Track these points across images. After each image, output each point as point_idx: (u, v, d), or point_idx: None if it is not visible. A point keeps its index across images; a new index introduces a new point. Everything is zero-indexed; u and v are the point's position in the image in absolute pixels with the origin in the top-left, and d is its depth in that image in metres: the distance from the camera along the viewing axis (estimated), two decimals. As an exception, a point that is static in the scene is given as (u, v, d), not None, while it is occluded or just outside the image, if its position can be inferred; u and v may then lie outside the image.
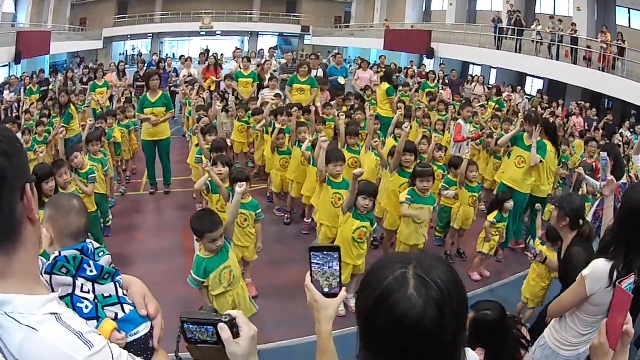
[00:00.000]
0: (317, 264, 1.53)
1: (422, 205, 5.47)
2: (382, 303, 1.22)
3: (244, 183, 4.35)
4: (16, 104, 13.72)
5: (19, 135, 8.41)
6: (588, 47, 16.97)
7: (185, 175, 8.81)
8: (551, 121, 8.09)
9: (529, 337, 3.02)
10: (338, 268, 1.54)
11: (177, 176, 8.93)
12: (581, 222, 3.55)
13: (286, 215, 7.60)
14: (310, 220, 7.04)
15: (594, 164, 7.45)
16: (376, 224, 5.33)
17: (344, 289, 1.58)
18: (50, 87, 14.81)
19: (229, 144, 7.81)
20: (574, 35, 17.26)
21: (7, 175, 1.07)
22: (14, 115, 12.33)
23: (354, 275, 5.17)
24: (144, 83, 12.45)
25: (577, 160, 9.01)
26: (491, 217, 6.02)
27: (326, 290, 1.55)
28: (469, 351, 1.48)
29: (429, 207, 5.57)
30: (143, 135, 8.48)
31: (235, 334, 1.32)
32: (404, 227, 5.61)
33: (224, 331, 1.30)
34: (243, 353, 1.32)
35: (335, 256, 1.52)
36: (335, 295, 1.56)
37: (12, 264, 1.12)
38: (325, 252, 1.53)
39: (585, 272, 2.84)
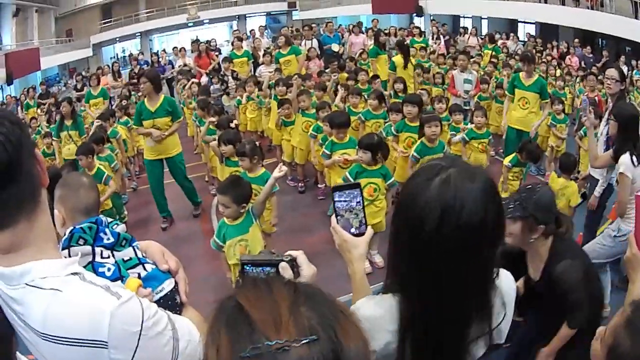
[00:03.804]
0: (343, 201, 1.55)
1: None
2: (434, 200, 1.26)
3: (285, 168, 4.20)
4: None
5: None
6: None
7: (196, 160, 8.74)
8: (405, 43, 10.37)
9: None
10: (362, 205, 1.56)
11: (187, 163, 8.74)
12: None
13: (300, 184, 7.61)
14: (324, 185, 7.05)
15: (596, 97, 7.46)
16: (393, 178, 5.19)
17: (369, 227, 1.60)
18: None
19: (234, 125, 7.77)
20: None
21: (23, 142, 1.13)
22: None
23: (374, 232, 5.10)
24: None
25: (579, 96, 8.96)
26: (506, 161, 5.77)
27: (353, 230, 1.57)
28: (502, 270, 1.50)
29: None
30: (146, 154, 6.88)
31: (296, 274, 1.33)
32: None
33: (286, 270, 1.30)
34: None
35: (357, 192, 1.55)
36: (362, 234, 1.58)
37: (33, 229, 1.15)
38: (348, 190, 1.55)
39: (620, 169, 3.76)
